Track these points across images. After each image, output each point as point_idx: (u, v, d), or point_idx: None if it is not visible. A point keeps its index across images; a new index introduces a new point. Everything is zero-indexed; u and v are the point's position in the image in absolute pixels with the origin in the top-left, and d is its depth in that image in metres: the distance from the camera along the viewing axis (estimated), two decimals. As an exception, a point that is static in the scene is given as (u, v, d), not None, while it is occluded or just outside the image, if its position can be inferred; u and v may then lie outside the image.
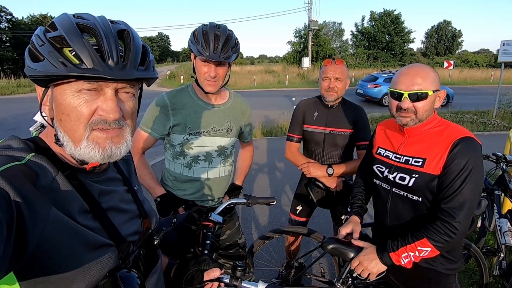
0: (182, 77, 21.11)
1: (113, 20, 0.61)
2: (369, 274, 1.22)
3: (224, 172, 1.58)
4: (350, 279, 1.42)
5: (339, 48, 37.17)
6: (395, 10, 32.29)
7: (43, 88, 0.60)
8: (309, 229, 1.89)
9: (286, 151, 1.98)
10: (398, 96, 1.19)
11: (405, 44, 33.10)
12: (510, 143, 2.77)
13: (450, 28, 40.35)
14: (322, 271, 1.96)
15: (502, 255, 2.09)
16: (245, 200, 1.48)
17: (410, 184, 1.20)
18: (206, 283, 0.90)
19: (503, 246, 2.07)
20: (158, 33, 62.96)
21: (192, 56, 1.42)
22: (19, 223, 0.46)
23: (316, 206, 2.01)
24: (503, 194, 2.23)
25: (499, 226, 2.13)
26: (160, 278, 0.78)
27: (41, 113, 0.62)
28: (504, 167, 2.25)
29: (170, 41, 66.97)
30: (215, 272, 0.90)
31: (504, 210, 2.23)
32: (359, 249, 1.28)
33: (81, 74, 0.54)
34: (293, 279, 1.86)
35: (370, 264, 1.20)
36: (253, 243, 1.91)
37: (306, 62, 25.63)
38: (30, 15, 31.80)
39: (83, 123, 0.57)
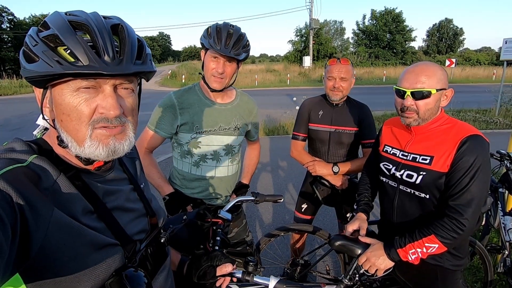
0: (183, 76, 21.12)
1: (106, 16, 0.61)
2: (376, 270, 1.24)
3: (231, 170, 1.60)
4: (357, 276, 1.43)
5: (340, 46, 37.05)
6: (396, 8, 32.24)
7: (42, 90, 0.59)
8: (314, 227, 1.90)
9: (292, 150, 2.00)
10: (402, 94, 1.20)
11: (407, 42, 32.93)
12: (514, 141, 2.77)
13: (451, 26, 40.14)
14: (327, 268, 1.97)
15: (506, 252, 2.09)
16: (252, 198, 1.50)
17: (418, 181, 1.21)
18: (218, 278, 0.92)
19: (507, 244, 2.08)
20: (159, 32, 63.02)
21: (202, 54, 1.44)
22: (22, 226, 0.47)
23: (321, 204, 2.03)
24: (507, 192, 2.24)
25: (503, 223, 2.13)
26: (169, 275, 0.78)
27: (43, 115, 0.61)
28: (508, 165, 2.26)
29: (171, 40, 67.07)
30: (227, 267, 0.91)
31: (509, 208, 2.23)
32: (366, 246, 1.29)
33: (78, 72, 0.53)
34: (299, 276, 1.88)
35: (377, 260, 1.22)
36: (259, 241, 1.93)
37: (307, 61, 25.58)
38: (31, 15, 31.89)
39: (84, 122, 0.57)
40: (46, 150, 0.60)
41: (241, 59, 1.39)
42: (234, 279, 0.95)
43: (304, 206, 2.09)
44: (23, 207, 0.47)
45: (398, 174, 1.28)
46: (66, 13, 0.58)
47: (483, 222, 2.32)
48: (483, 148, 1.12)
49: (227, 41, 1.32)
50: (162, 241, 0.75)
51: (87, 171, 0.63)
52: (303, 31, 29.60)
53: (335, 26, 41.71)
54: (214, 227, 1.20)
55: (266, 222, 3.24)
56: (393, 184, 1.32)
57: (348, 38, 40.21)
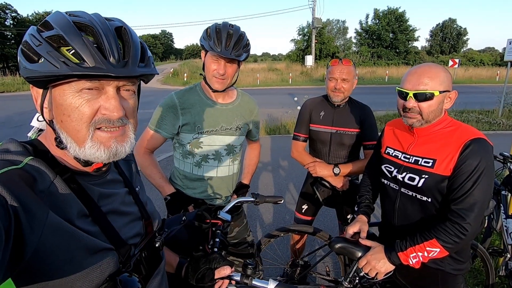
0: (185, 74, 21.13)
1: (107, 18, 0.61)
2: (376, 274, 1.23)
3: (232, 170, 1.60)
4: (357, 278, 1.42)
5: (342, 46, 36.95)
6: (399, 7, 32.06)
7: (41, 90, 0.59)
8: (314, 228, 1.90)
9: (292, 150, 1.99)
10: (404, 96, 1.18)
11: (410, 42, 32.81)
12: (517, 143, 2.75)
13: (455, 26, 39.91)
14: (327, 269, 1.96)
15: (508, 255, 2.08)
16: (253, 199, 1.49)
17: (420, 184, 1.19)
18: (217, 280, 0.91)
19: (509, 247, 2.07)
20: (162, 30, 63.08)
21: (203, 54, 1.43)
22: (16, 229, 0.46)
23: (322, 205, 2.02)
24: (510, 195, 2.22)
25: (505, 226, 2.12)
26: (164, 279, 0.77)
27: (42, 116, 0.60)
28: (511, 167, 2.24)
29: (173, 38, 67.07)
30: (225, 270, 0.91)
31: (511, 211, 2.21)
32: (366, 248, 1.29)
33: (86, 73, 0.53)
34: (299, 278, 1.87)
35: (378, 264, 1.21)
36: (260, 241, 1.92)
37: (309, 60, 25.52)
38: (34, 12, 32.02)
39: (85, 123, 0.57)
40: (41, 151, 0.59)
41: (242, 59, 1.38)
42: (233, 282, 0.94)
43: (305, 207, 2.08)
44: (17, 210, 0.47)
45: (400, 176, 1.27)
46: (68, 14, 0.57)
47: (485, 225, 2.31)
48: (486, 151, 1.11)
49: (227, 42, 1.31)
50: (157, 245, 0.74)
51: (82, 173, 0.62)
52: (306, 30, 29.54)
53: (338, 25, 41.60)
54: (214, 228, 1.19)
55: (266, 222, 3.23)
56: (394, 187, 1.31)
57: (350, 37, 40.18)
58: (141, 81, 0.68)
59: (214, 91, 1.45)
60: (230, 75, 1.41)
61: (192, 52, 59.29)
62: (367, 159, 1.69)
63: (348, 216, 1.88)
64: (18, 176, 0.50)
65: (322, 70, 22.48)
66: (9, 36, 28.97)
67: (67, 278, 0.52)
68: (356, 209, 1.51)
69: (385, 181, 1.36)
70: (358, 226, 1.38)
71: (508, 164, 2.26)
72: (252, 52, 1.45)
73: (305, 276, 1.88)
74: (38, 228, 0.48)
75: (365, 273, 1.27)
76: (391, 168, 1.32)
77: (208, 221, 1.12)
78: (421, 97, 1.14)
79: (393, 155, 1.33)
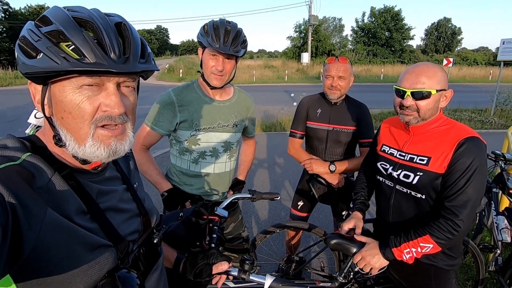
0: (181, 70, 20.97)
1: (107, 13, 0.60)
2: (371, 269, 1.25)
3: (229, 166, 1.61)
4: (351, 274, 1.44)
5: (338, 44, 36.99)
6: (395, 6, 32.19)
7: (40, 87, 0.58)
8: (310, 224, 1.92)
9: (289, 147, 2.00)
10: (402, 94, 1.20)
11: (405, 40, 32.99)
12: (509, 141, 2.80)
13: (450, 25, 40.23)
14: (322, 265, 1.99)
15: (498, 251, 2.13)
16: (249, 195, 1.50)
17: (414, 182, 1.21)
18: (214, 276, 0.92)
19: (499, 243, 2.11)
20: (157, 26, 62.38)
21: (200, 52, 1.43)
22: (14, 226, 0.46)
23: (317, 201, 2.04)
24: (501, 192, 2.27)
25: (496, 223, 2.16)
26: (162, 274, 0.78)
27: (43, 112, 0.59)
28: (502, 165, 2.29)
29: (169, 34, 66.37)
30: (223, 266, 0.92)
31: (502, 208, 2.26)
32: (361, 245, 1.30)
33: (87, 69, 0.52)
34: (294, 273, 1.89)
35: (372, 259, 1.23)
36: (255, 237, 1.94)
37: (305, 57, 25.52)
38: (27, 5, 31.39)
39: (87, 120, 0.56)
40: (39, 147, 0.59)
41: (240, 55, 1.38)
42: (230, 277, 0.95)
43: (300, 203, 2.10)
44: (15, 206, 0.46)
45: (395, 174, 1.29)
46: (66, 9, 0.57)
47: (477, 222, 2.36)
48: (480, 150, 1.13)
49: (225, 38, 1.32)
50: (155, 241, 0.75)
51: (81, 170, 0.62)
52: (302, 27, 29.50)
53: (334, 23, 41.64)
54: (211, 224, 1.20)
55: (262, 218, 3.25)
56: (389, 184, 1.33)
57: (346, 35, 40.29)
58: (140, 78, 0.68)
59: (212, 88, 1.45)
60: (228, 71, 1.41)
61: (187, 48, 58.76)
62: (363, 157, 1.71)
63: (343, 213, 1.90)
64: (15, 173, 0.50)
65: (318, 68, 22.50)
66: (0, 30, 28.39)
67: (66, 275, 0.52)
68: (351, 205, 1.53)
69: (381, 178, 1.38)
70: (353, 222, 1.40)
71: (500, 162, 2.31)
72: (248, 48, 1.46)
73: (300, 272, 1.90)
74: (36, 224, 0.48)
75: (359, 268, 1.29)
76: (386, 166, 1.34)
77: (205, 217, 1.13)
78: (419, 96, 1.16)
79: (388, 152, 1.35)
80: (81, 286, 0.54)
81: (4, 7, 28.83)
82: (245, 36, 1.39)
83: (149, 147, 1.55)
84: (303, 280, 1.92)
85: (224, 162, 1.57)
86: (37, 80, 0.56)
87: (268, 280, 0.92)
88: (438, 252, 1.19)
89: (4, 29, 28.47)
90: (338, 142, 1.88)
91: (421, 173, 1.20)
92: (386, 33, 32.04)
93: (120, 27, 0.59)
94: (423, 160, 1.21)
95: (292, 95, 12.12)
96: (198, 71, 1.51)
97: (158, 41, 59.44)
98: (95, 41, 0.54)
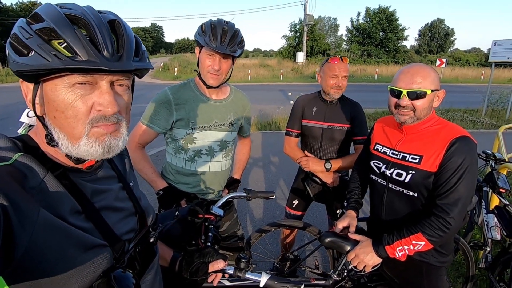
0: (175, 69, 20.84)
1: (100, 11, 0.59)
2: (364, 266, 1.27)
3: (225, 165, 1.61)
4: (345, 271, 1.46)
5: (333, 43, 37.16)
6: (390, 7, 32.42)
7: (31, 85, 0.56)
8: (304, 223, 1.93)
9: (285, 146, 2.01)
10: (397, 94, 1.22)
11: (399, 41, 33.27)
12: (499, 141, 2.86)
13: (443, 26, 40.71)
14: (316, 263, 2.01)
15: (488, 248, 2.17)
16: (245, 194, 1.51)
17: (407, 180, 1.24)
18: (210, 274, 0.93)
19: (489, 240, 2.16)
20: (151, 23, 61.74)
21: (197, 51, 1.43)
22: (6, 227, 0.45)
23: (312, 200, 2.06)
24: (491, 191, 2.31)
25: (486, 221, 2.21)
26: (158, 273, 0.77)
27: (34, 111, 0.58)
28: (493, 164, 2.33)
29: (163, 32, 65.80)
30: (219, 264, 0.92)
31: (492, 206, 2.30)
32: (355, 243, 1.32)
33: (78, 67, 0.51)
34: (288, 271, 1.90)
35: (366, 257, 1.25)
36: (250, 236, 1.95)
37: (300, 56, 25.58)
38: (18, 1, 30.76)
39: (81, 120, 0.55)
40: (31, 147, 0.58)
41: (236, 55, 1.39)
42: (226, 275, 0.95)
43: (296, 202, 2.12)
44: (6, 207, 0.45)
45: (388, 172, 1.31)
46: (58, 6, 0.56)
47: (467, 220, 2.40)
48: (471, 149, 1.16)
49: (222, 38, 1.32)
50: (151, 240, 0.74)
51: (75, 169, 0.61)
52: (297, 26, 29.53)
53: (329, 23, 41.80)
54: (206, 223, 1.21)
55: (257, 217, 3.26)
56: (382, 182, 1.35)
57: (341, 35, 40.44)
58: (135, 76, 0.67)
59: (209, 87, 1.45)
60: (225, 71, 1.42)
61: (182, 46, 58.41)
62: (357, 154, 1.73)
63: (338, 211, 1.92)
64: (6, 173, 0.49)
65: (313, 67, 22.57)
66: (-9, 26, 27.81)
67: (60, 276, 0.52)
68: (345, 204, 1.55)
69: (374, 177, 1.40)
70: (347, 221, 1.42)
71: (490, 161, 2.35)
72: (244, 48, 1.46)
73: (295, 270, 1.92)
74: (29, 226, 0.47)
75: (353, 266, 1.31)
76: (379, 164, 1.36)
77: (201, 216, 1.13)
78: (414, 95, 1.19)
79: (381, 151, 1.37)
80: (75, 286, 0.54)
81: (-6, 3, 28.25)
82: (242, 37, 1.40)
83: (145, 145, 1.54)
84: (298, 278, 1.94)
85: (220, 161, 1.58)
86: (28, 78, 0.55)
87: (263, 278, 0.93)
88: (430, 249, 1.21)
89: (-5, 25, 27.89)
90: (333, 140, 1.90)
91: (413, 172, 1.22)
92: (381, 33, 32.27)
93: (114, 24, 0.58)
94: (415, 158, 1.23)
95: (290, 94, 12.14)
96: (195, 70, 1.51)
97: (153, 39, 58.88)
98: (88, 38, 0.53)
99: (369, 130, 1.60)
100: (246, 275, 0.95)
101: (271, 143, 6.00)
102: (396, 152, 1.30)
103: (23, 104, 0.62)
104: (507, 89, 9.46)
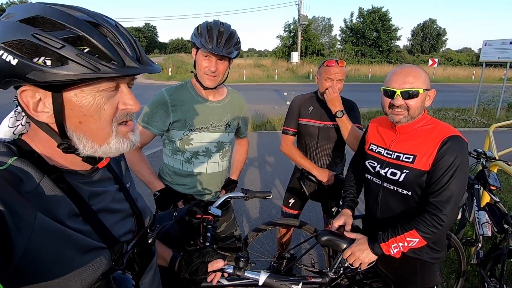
0: (170, 69, 20.69)
1: (95, 12, 0.58)
2: (360, 264, 1.29)
3: (222, 166, 1.62)
4: (341, 269, 1.49)
5: (327, 43, 37.38)
6: (383, 7, 32.73)
7: (49, 93, 0.54)
8: (300, 221, 1.95)
9: (282, 144, 2.03)
10: (391, 94, 1.25)
11: (392, 41, 33.60)
12: (490, 139, 2.92)
13: (435, 26, 41.23)
14: (313, 261, 2.03)
15: (480, 245, 2.22)
16: (242, 194, 1.52)
17: (401, 179, 1.27)
18: (210, 273, 0.94)
19: (481, 237, 2.20)
20: (145, 23, 61.17)
21: (193, 52, 1.44)
22: (3, 232, 0.45)
23: (308, 199, 2.08)
24: (482, 188, 2.36)
25: (477, 218, 2.25)
26: (156, 274, 0.78)
27: (34, 120, 0.56)
28: (484, 162, 2.38)
29: (157, 32, 65.28)
30: (218, 263, 0.93)
31: (483, 203, 2.35)
32: (351, 241, 1.35)
33: (128, 74, 0.54)
34: (285, 270, 1.92)
35: (361, 254, 1.27)
36: (247, 235, 1.96)
37: (295, 56, 25.68)
38: (9, 1, 30.28)
39: (109, 121, 0.58)
40: (26, 151, 0.57)
41: (233, 57, 1.39)
42: (225, 274, 0.97)
43: (292, 201, 2.14)
44: (3, 212, 0.45)
45: (382, 171, 1.33)
46: (69, 9, 0.54)
47: (459, 217, 2.45)
48: (462, 148, 1.19)
49: (218, 39, 1.33)
50: (149, 241, 0.74)
51: (72, 172, 0.61)
52: (292, 26, 29.62)
53: (323, 23, 42.00)
54: (205, 223, 1.22)
55: (253, 217, 3.28)
56: (377, 181, 1.38)
57: (335, 35, 40.67)
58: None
59: (205, 88, 1.46)
60: (221, 72, 1.42)
61: (176, 47, 58.03)
62: (353, 129, 1.77)
63: (333, 210, 1.95)
64: (2, 178, 0.49)
65: (307, 67, 22.66)
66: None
67: (59, 279, 0.52)
68: (341, 203, 1.58)
69: (369, 176, 1.43)
70: (343, 219, 1.44)
71: (481, 159, 2.40)
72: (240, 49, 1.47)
73: (291, 268, 1.94)
74: (26, 230, 0.47)
75: (349, 263, 1.33)
76: (374, 164, 1.38)
77: (199, 216, 1.14)
78: (407, 95, 1.22)
79: (376, 151, 1.40)
80: None
81: (-17, 1, 27.74)
82: (238, 38, 1.41)
83: (142, 147, 1.55)
84: (295, 276, 1.96)
85: (217, 162, 1.59)
86: (53, 88, 0.54)
87: (262, 276, 0.95)
88: (424, 246, 1.24)
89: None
90: (329, 138, 1.92)
91: (407, 171, 1.25)
92: (374, 33, 32.55)
93: (119, 28, 0.58)
94: (409, 158, 1.26)
95: (285, 94, 12.18)
96: (192, 71, 1.51)
97: (147, 39, 58.37)
98: (118, 44, 0.55)
99: (364, 130, 1.62)
100: (245, 274, 0.96)
101: (266, 143, 6.01)
102: (391, 152, 1.33)
103: (13, 104, 0.59)
104: (498, 88, 9.64)
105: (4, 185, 0.48)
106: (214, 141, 1.54)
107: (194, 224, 1.14)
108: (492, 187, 2.20)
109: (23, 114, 0.57)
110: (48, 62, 0.51)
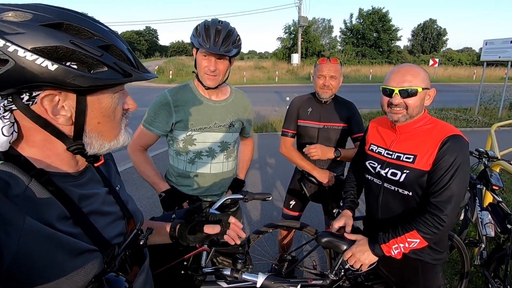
0: (170, 72, 20.76)
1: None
2: (361, 265, 1.28)
3: (227, 167, 1.61)
4: (342, 271, 1.47)
5: (328, 44, 37.43)
6: (383, 8, 32.78)
7: (74, 96, 0.56)
8: (301, 223, 1.94)
9: (281, 146, 2.02)
10: (390, 93, 1.24)
11: (392, 41, 33.61)
12: (492, 139, 2.90)
13: (435, 26, 41.21)
14: (314, 263, 2.01)
15: (483, 245, 2.20)
16: (241, 196, 1.51)
17: (402, 179, 1.25)
18: (205, 234, 0.92)
19: (484, 237, 2.18)
20: (146, 27, 61.40)
21: (194, 52, 1.44)
22: None
23: (309, 200, 2.07)
24: (484, 188, 2.34)
25: (480, 218, 2.23)
26: (148, 276, 0.78)
27: (41, 123, 0.56)
28: (486, 162, 2.36)
29: (158, 35, 65.54)
30: (214, 229, 0.92)
31: (485, 203, 2.33)
32: (351, 242, 1.33)
33: (144, 78, 0.62)
34: (286, 272, 1.91)
35: (362, 256, 1.26)
36: (248, 237, 1.95)
37: (295, 58, 25.70)
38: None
39: (119, 120, 0.65)
40: (12, 155, 0.57)
41: (231, 55, 1.38)
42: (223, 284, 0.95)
43: (292, 202, 2.13)
44: None
45: (383, 172, 1.32)
46: (80, 18, 0.57)
47: (462, 217, 2.43)
48: (462, 147, 1.18)
49: (216, 38, 1.32)
50: (141, 243, 0.74)
51: (60, 174, 0.61)
52: (292, 28, 29.69)
53: (323, 24, 42.09)
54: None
55: (254, 219, 3.26)
56: (378, 182, 1.37)
57: (336, 36, 40.73)
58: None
59: (207, 88, 1.45)
60: (222, 71, 1.42)
61: (177, 50, 58.19)
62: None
63: (334, 211, 1.94)
64: None
65: (308, 68, 22.68)
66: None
67: (51, 283, 0.51)
68: (341, 204, 1.56)
69: (369, 177, 1.41)
70: (344, 220, 1.43)
71: (483, 159, 2.39)
72: (241, 48, 1.46)
73: (293, 271, 1.92)
74: (15, 234, 0.47)
75: (350, 265, 1.31)
76: (374, 164, 1.37)
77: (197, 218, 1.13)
78: (406, 94, 1.21)
79: (376, 151, 1.39)
80: None
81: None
82: (238, 35, 1.39)
83: (147, 148, 1.54)
84: (295, 278, 1.94)
85: (221, 162, 1.57)
86: (78, 91, 0.56)
87: (260, 279, 0.94)
88: (425, 247, 1.23)
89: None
90: (329, 139, 1.91)
91: (407, 171, 1.24)
92: (374, 34, 32.58)
93: (119, 36, 0.63)
94: (409, 158, 1.25)
95: (287, 98, 12.19)
96: (193, 72, 1.51)
97: (147, 42, 58.60)
98: (128, 51, 0.62)
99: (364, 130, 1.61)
100: (243, 276, 0.95)
101: (267, 144, 6.01)
102: (391, 152, 1.32)
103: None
104: (499, 87, 9.60)
105: None
106: (218, 141, 1.53)
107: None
108: (494, 187, 2.18)
109: (13, 120, 0.56)
110: (81, 68, 0.54)
